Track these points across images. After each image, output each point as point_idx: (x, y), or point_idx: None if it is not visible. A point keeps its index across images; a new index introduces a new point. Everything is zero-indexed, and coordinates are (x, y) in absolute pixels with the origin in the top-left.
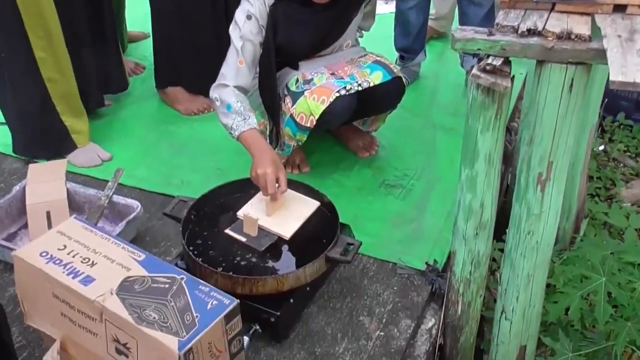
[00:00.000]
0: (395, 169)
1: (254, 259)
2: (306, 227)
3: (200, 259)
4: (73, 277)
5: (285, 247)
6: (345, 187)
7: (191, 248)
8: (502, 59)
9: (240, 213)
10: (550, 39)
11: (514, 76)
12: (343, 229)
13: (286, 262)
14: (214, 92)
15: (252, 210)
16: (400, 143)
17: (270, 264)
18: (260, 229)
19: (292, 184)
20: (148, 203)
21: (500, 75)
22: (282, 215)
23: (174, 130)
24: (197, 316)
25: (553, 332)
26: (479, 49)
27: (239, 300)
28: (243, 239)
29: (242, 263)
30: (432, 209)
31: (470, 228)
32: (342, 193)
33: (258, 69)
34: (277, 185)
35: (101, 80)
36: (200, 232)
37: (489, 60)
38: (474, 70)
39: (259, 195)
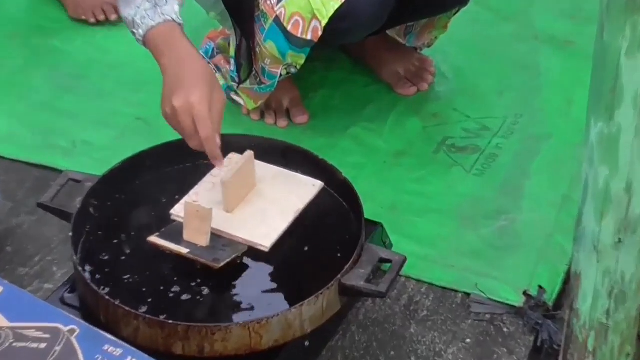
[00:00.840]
0: (465, 118)
1: (205, 290)
2: (301, 229)
3: (107, 290)
4: None
5: (262, 268)
6: (375, 153)
7: (89, 269)
8: None
9: (177, 207)
10: None
11: None
12: (371, 232)
13: (267, 295)
14: None
15: (201, 200)
16: (475, 70)
17: (237, 298)
18: (216, 235)
19: (274, 149)
20: (10, 183)
21: None
22: (255, 209)
23: (58, 48)
24: None
25: None
26: None
27: None
28: (184, 251)
29: (184, 297)
30: (533, 194)
31: (608, 230)
32: (369, 164)
33: None
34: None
35: None
36: (107, 240)
37: None
38: None
39: (214, 173)
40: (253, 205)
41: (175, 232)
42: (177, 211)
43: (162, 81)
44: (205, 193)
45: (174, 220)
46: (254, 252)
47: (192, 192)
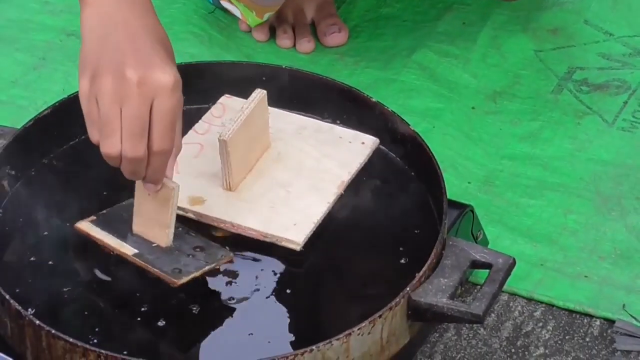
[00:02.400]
0: (605, 37)
1: (194, 308)
2: (343, 214)
3: (34, 312)
4: None
5: (281, 278)
6: (458, 94)
7: (5, 277)
8: None
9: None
10: None
11: None
12: (455, 221)
13: (290, 320)
14: None
15: (184, 172)
16: None
17: (242, 323)
18: (187, 230)
19: (294, 86)
20: None
21: None
22: (272, 183)
23: None
24: None
25: None
26: None
27: None
28: (129, 252)
29: (159, 323)
30: None
31: None
32: (448, 111)
33: None
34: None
35: None
36: (30, 231)
37: None
38: None
39: (199, 128)
40: (269, 178)
41: (120, 218)
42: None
43: (81, 32)
44: (188, 161)
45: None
46: (264, 252)
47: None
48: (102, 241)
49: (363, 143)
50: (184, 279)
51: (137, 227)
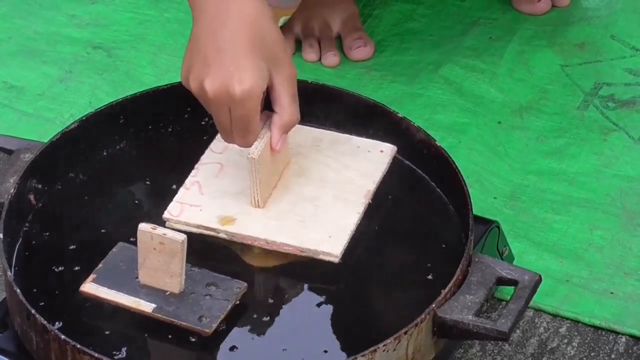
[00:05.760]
0: (632, 52)
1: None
2: (366, 229)
3: (61, 326)
4: None
5: (306, 294)
6: (484, 109)
7: (33, 291)
8: None
9: (173, 207)
10: None
11: None
12: (481, 237)
13: (315, 336)
14: None
15: (207, 193)
16: None
17: (264, 339)
18: (193, 270)
19: (315, 101)
20: None
21: None
22: (299, 198)
23: None
24: None
25: None
26: None
27: None
28: (147, 308)
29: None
30: None
31: None
32: (474, 126)
33: None
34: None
35: None
36: (58, 244)
37: None
38: None
39: (215, 148)
40: (294, 193)
41: (119, 270)
42: (175, 213)
43: (192, 28)
44: (210, 180)
45: (172, 228)
46: (285, 269)
47: (188, 181)
48: (114, 302)
49: (382, 151)
50: (214, 326)
51: (144, 278)
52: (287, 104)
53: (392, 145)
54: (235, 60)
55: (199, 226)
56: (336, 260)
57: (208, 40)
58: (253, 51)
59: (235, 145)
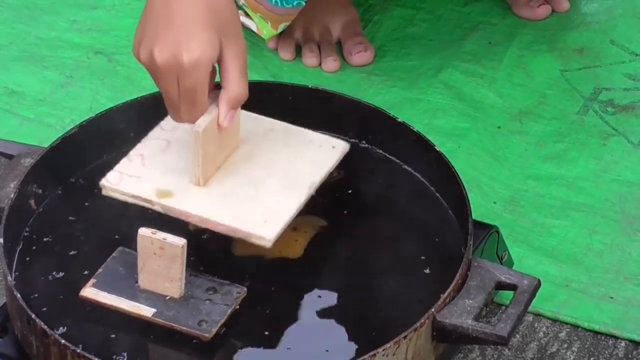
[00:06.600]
0: (631, 57)
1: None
2: (365, 233)
3: (64, 331)
4: None
5: (301, 297)
6: (483, 113)
7: (34, 296)
8: None
9: (112, 175)
10: None
11: None
12: (480, 241)
13: (313, 341)
14: None
15: (150, 167)
16: None
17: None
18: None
19: (313, 105)
20: None
21: None
22: (242, 180)
23: None
24: None
25: None
26: None
27: None
28: (146, 313)
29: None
30: None
31: None
32: (474, 131)
33: None
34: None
35: None
36: (58, 250)
37: None
38: None
39: (165, 125)
40: (239, 176)
41: (119, 274)
42: (113, 182)
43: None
44: (154, 156)
45: (108, 196)
46: (281, 271)
47: (132, 153)
48: (114, 307)
49: (333, 147)
50: (214, 331)
51: (144, 283)
52: (235, 78)
53: (345, 143)
54: (185, 30)
55: (135, 197)
56: (268, 245)
57: (160, 11)
58: (204, 22)
59: (185, 125)
